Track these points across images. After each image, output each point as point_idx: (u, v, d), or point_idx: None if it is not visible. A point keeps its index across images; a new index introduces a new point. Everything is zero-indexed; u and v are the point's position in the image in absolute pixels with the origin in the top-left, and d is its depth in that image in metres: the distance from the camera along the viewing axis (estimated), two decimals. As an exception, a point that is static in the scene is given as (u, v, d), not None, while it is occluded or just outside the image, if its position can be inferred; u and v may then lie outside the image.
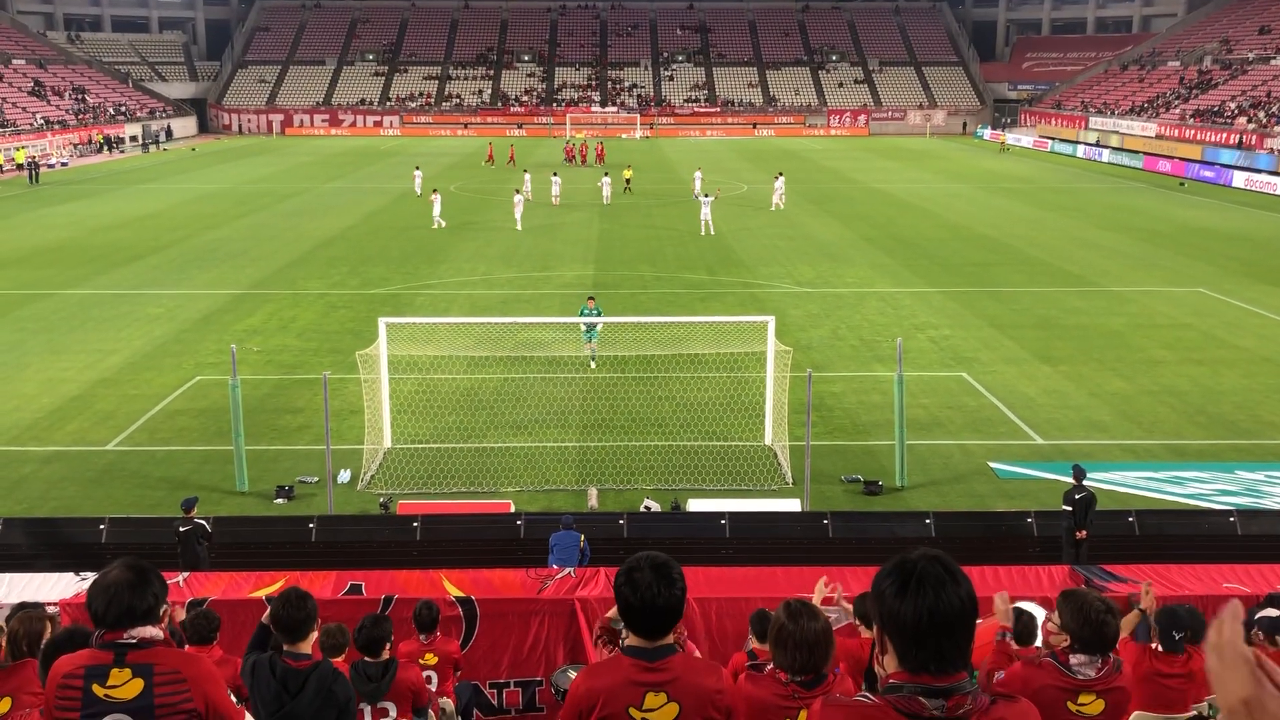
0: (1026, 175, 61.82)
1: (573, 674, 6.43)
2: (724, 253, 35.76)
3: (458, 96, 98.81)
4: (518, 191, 42.25)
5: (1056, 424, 19.26)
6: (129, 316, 27.12)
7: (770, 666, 4.79)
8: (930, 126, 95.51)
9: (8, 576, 9.55)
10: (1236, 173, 57.09)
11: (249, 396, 19.18)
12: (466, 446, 18.14)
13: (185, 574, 9.92)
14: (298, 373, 22.16)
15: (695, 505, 15.50)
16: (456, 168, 64.71)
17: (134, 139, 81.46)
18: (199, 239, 38.67)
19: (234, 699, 4.56)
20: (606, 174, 49.92)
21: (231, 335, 24.45)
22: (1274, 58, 73.22)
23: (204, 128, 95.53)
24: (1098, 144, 74.17)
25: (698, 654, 5.34)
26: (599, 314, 22.34)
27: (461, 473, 16.99)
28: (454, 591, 9.29)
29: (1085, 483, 13.75)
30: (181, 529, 12.92)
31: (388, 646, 7.20)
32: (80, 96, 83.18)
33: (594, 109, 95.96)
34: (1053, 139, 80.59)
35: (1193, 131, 68.57)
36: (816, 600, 5.98)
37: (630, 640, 4.11)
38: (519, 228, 39.92)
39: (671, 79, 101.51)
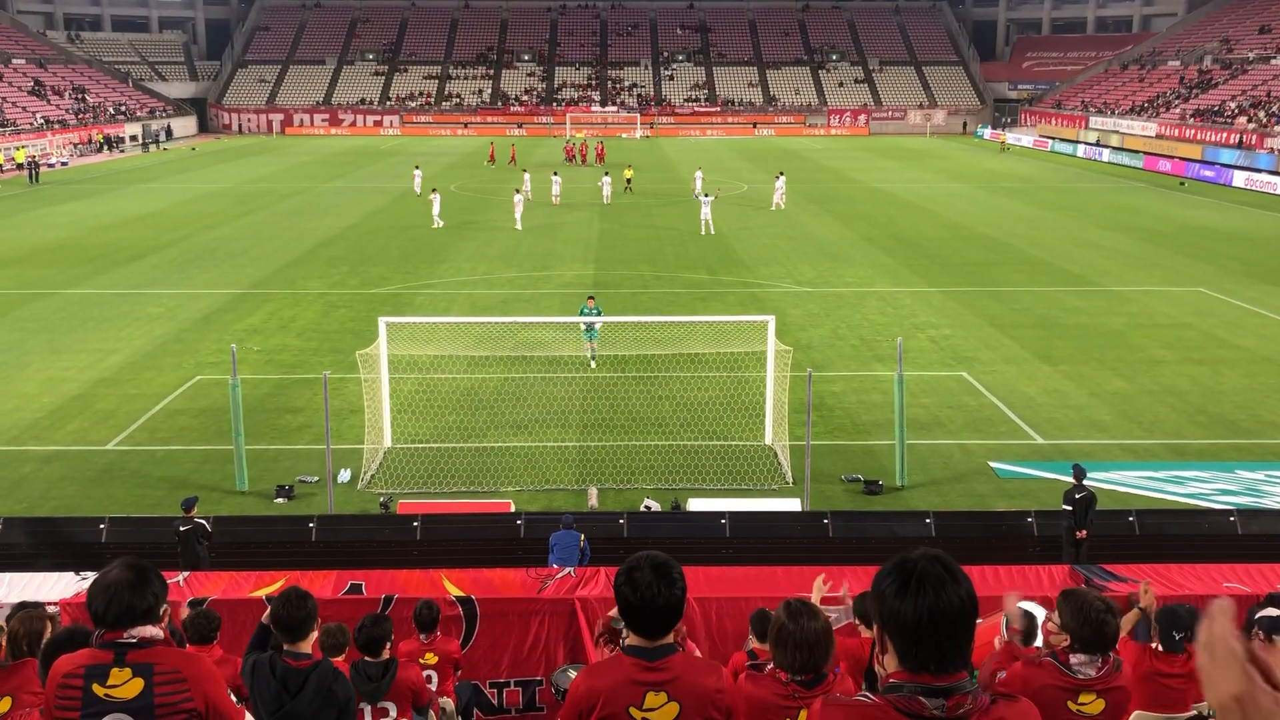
0: (1026, 175, 61.82)
1: (573, 673, 6.44)
2: (724, 252, 35.76)
3: (458, 96, 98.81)
4: (518, 191, 42.25)
5: (1057, 423, 19.26)
6: (129, 316, 27.12)
7: (770, 666, 4.79)
8: (930, 126, 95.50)
9: (8, 576, 9.55)
10: (1237, 172, 57.08)
11: (249, 396, 19.18)
12: (466, 446, 18.14)
13: (185, 573, 9.92)
14: (298, 372, 22.16)
15: (695, 505, 15.50)
16: (456, 167, 64.71)
17: (134, 138, 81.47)
18: (199, 238, 38.67)
19: (234, 698, 4.56)
20: (607, 173, 49.92)
21: (232, 335, 24.45)
22: (1274, 57, 73.22)
23: (204, 127, 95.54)
24: (1098, 143, 74.16)
25: (698, 653, 5.34)
26: (599, 313, 22.33)
27: (461, 472, 16.99)
28: (454, 591, 9.29)
29: (1085, 482, 13.75)
30: (182, 528, 12.93)
31: (388, 646, 7.20)
32: (80, 96, 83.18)
33: (594, 109, 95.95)
34: (1053, 138, 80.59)
35: (1193, 131, 68.57)
36: (815, 599, 5.99)
37: (630, 640, 4.11)
38: (519, 227, 39.92)
39: (672, 78, 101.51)
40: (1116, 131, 75.40)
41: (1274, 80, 69.33)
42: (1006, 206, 47.66)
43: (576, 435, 18.77)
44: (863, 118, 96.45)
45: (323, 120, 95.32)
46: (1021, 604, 7.13)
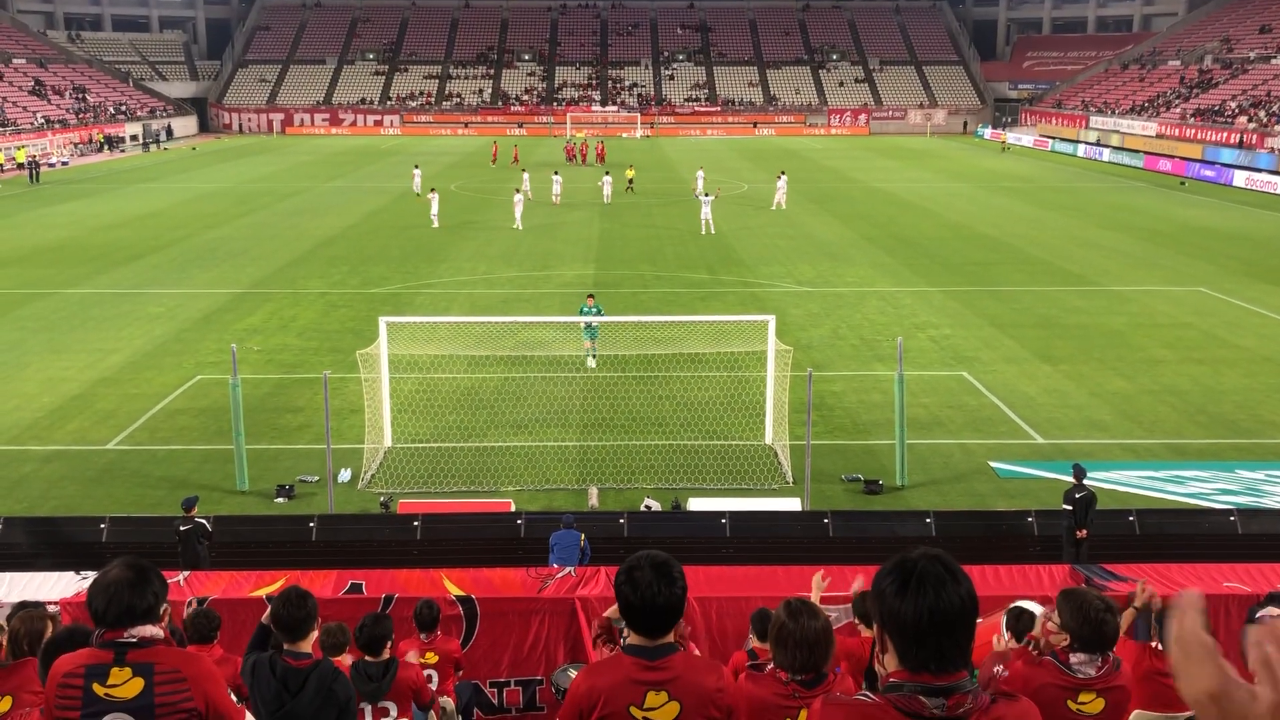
0: (1027, 174, 61.81)
1: (573, 673, 6.44)
2: (724, 252, 35.76)
3: (458, 96, 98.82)
4: (518, 191, 42.25)
5: (1057, 423, 19.26)
6: (129, 316, 27.13)
7: (770, 666, 4.78)
8: (931, 126, 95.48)
9: (8, 575, 9.55)
10: (1237, 172, 57.08)
11: (249, 396, 19.18)
12: (467, 446, 18.14)
13: (186, 573, 9.92)
14: (298, 372, 22.17)
15: (696, 504, 15.50)
16: (457, 167, 64.71)
17: (134, 138, 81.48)
18: (199, 238, 38.68)
19: (234, 698, 4.56)
20: (607, 173, 49.92)
21: (232, 334, 24.45)
22: (1275, 57, 73.20)
23: (204, 127, 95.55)
24: (1098, 143, 74.16)
25: (698, 653, 5.34)
26: (599, 312, 22.32)
27: (462, 472, 16.99)
28: (454, 590, 9.29)
29: (1086, 482, 13.74)
30: (182, 528, 12.93)
31: (389, 646, 7.20)
32: (81, 96, 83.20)
33: (594, 108, 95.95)
34: (1053, 138, 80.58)
35: (1193, 131, 68.56)
36: (815, 598, 5.99)
37: (631, 639, 4.11)
38: (519, 227, 39.93)
39: (672, 78, 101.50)
40: (1117, 131, 75.40)
41: (1274, 80, 69.32)
42: (1007, 206, 47.66)
43: (577, 435, 18.77)
44: (863, 117, 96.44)
45: (323, 120, 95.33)
46: (1022, 604, 7.14)
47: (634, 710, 4.00)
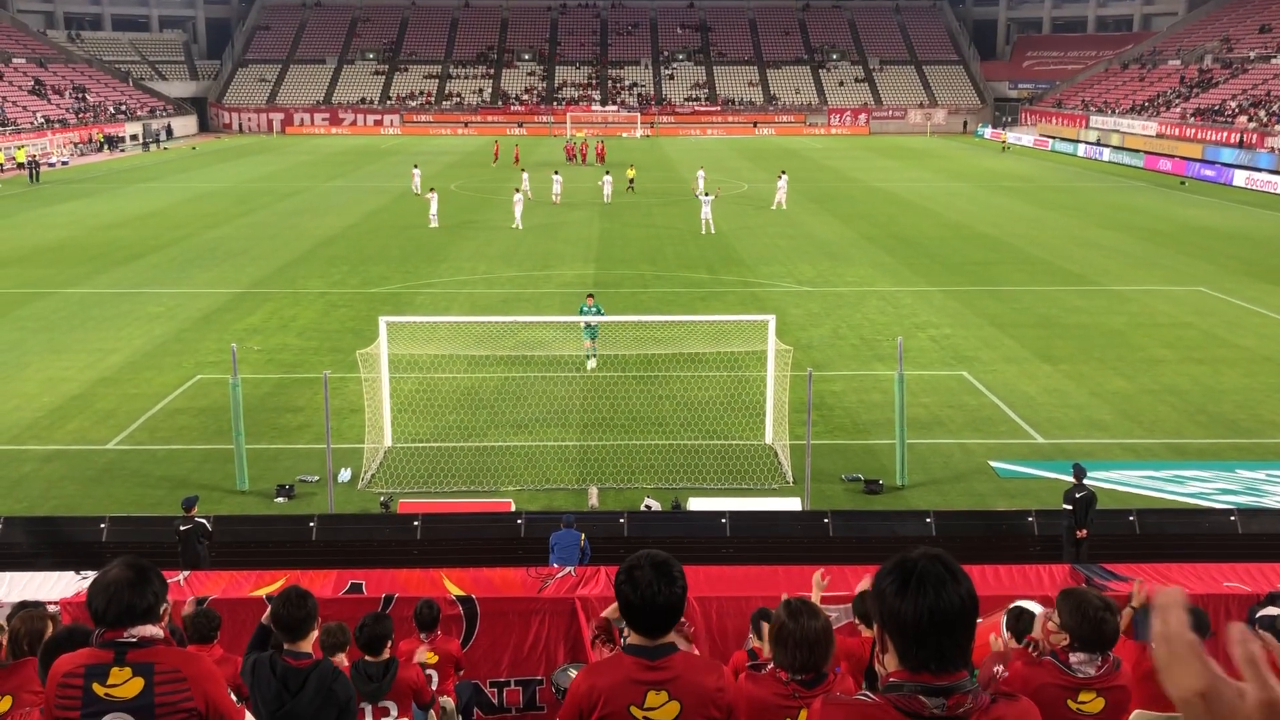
0: (1027, 174, 61.81)
1: (573, 673, 6.44)
2: (724, 252, 35.75)
3: (458, 95, 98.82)
4: (517, 190, 42.25)
5: (1057, 423, 19.26)
6: (129, 315, 27.13)
7: (770, 665, 4.78)
8: (931, 125, 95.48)
9: (8, 575, 9.55)
10: (1237, 171, 57.08)
11: (249, 395, 19.18)
12: (467, 445, 18.14)
13: (186, 573, 9.93)
14: (298, 372, 22.17)
15: (696, 504, 15.50)
16: (457, 166, 64.71)
17: (134, 138, 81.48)
18: (199, 238, 38.67)
19: (234, 698, 4.56)
20: (608, 172, 49.92)
21: (232, 334, 24.45)
22: (1275, 56, 73.19)
23: (204, 126, 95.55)
24: (1098, 143, 74.16)
25: (697, 652, 5.34)
26: (598, 312, 22.31)
27: (462, 472, 16.99)
28: (454, 590, 9.29)
29: (1086, 482, 13.74)
30: (182, 528, 12.93)
31: (389, 645, 7.20)
32: (81, 95, 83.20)
33: (594, 108, 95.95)
34: (1053, 138, 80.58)
35: (1193, 130, 68.55)
36: (816, 597, 5.99)
37: (631, 639, 4.11)
38: (519, 226, 39.93)
39: (672, 78, 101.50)
40: (1117, 131, 75.39)
41: (1274, 79, 69.31)
42: (1007, 206, 47.66)
43: (577, 435, 18.77)
44: (863, 117, 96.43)
45: (323, 119, 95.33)
46: (1022, 603, 7.14)
47: (634, 710, 4.01)
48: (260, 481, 16.47)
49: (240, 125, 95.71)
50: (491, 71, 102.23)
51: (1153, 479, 16.71)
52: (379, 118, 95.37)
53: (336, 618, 7.49)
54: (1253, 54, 75.80)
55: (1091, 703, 5.32)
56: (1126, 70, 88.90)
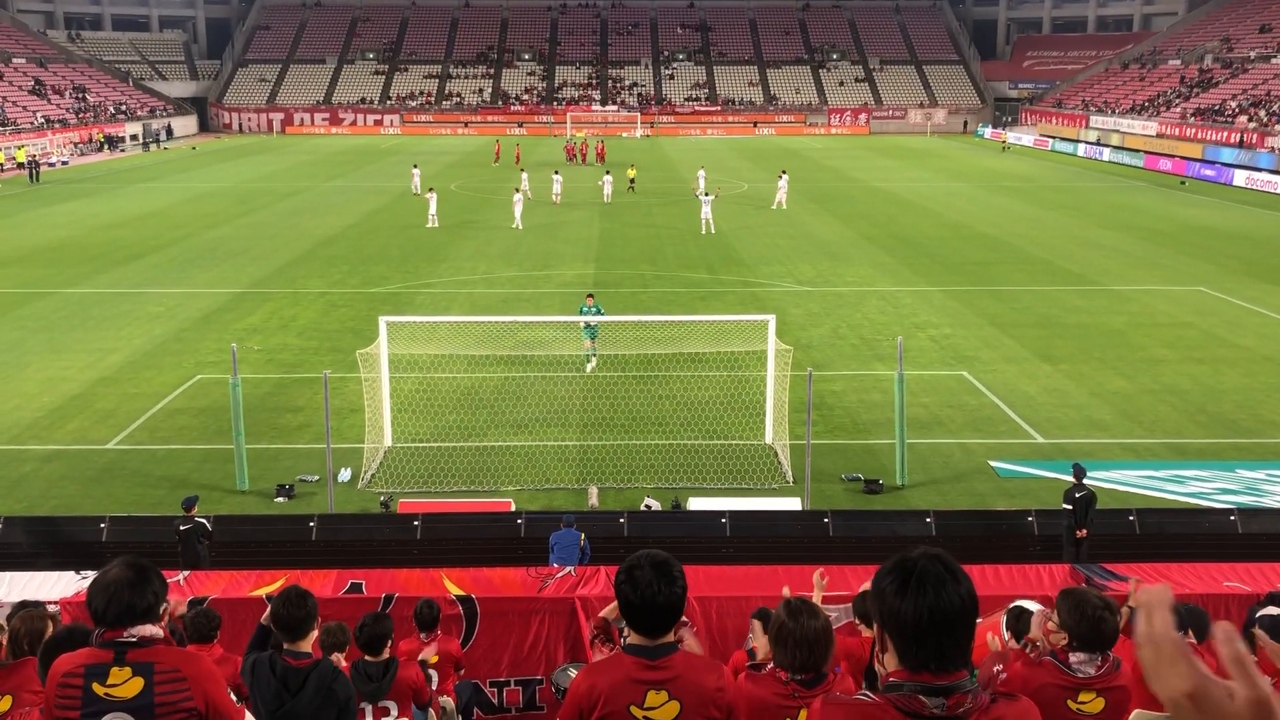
0: (1027, 174, 61.80)
1: (573, 672, 6.44)
2: (724, 251, 35.75)
3: (458, 95, 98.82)
4: (517, 190, 42.25)
5: (1057, 423, 19.26)
6: (129, 315, 27.13)
7: (770, 665, 4.78)
8: (931, 125, 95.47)
9: (8, 575, 9.55)
10: (1237, 171, 57.08)
11: (249, 395, 19.18)
12: (467, 445, 18.14)
13: (186, 572, 9.93)
14: (298, 371, 22.17)
15: (696, 504, 15.50)
16: (457, 166, 64.71)
17: (134, 138, 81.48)
18: (199, 238, 38.68)
19: (234, 698, 4.56)
20: (608, 172, 49.92)
21: (232, 334, 24.45)
22: (1275, 56, 73.19)
23: (204, 126, 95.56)
24: (1098, 143, 74.15)
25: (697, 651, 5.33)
26: (598, 312, 22.31)
27: (462, 471, 16.99)
28: (454, 590, 9.29)
29: (1086, 481, 13.74)
30: (182, 527, 12.93)
31: (389, 645, 7.20)
32: (81, 95, 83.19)
33: (594, 108, 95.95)
34: (1053, 138, 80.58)
35: (1193, 130, 68.55)
36: (816, 596, 5.99)
37: (631, 638, 4.11)
38: (519, 226, 39.93)
39: (672, 78, 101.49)
40: (1117, 131, 75.39)
41: (1275, 79, 69.31)
42: (1007, 206, 47.65)
43: (577, 434, 18.77)
44: (863, 117, 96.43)
45: (323, 119, 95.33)
46: (1022, 603, 7.13)
47: (634, 710, 4.01)
48: (260, 481, 16.47)
49: (240, 125, 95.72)
50: (491, 71, 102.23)
51: (1153, 479, 16.71)
52: (379, 118, 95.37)
53: (336, 617, 7.49)
54: (1253, 54, 75.80)
55: (1091, 703, 5.32)
56: (1126, 70, 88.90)
